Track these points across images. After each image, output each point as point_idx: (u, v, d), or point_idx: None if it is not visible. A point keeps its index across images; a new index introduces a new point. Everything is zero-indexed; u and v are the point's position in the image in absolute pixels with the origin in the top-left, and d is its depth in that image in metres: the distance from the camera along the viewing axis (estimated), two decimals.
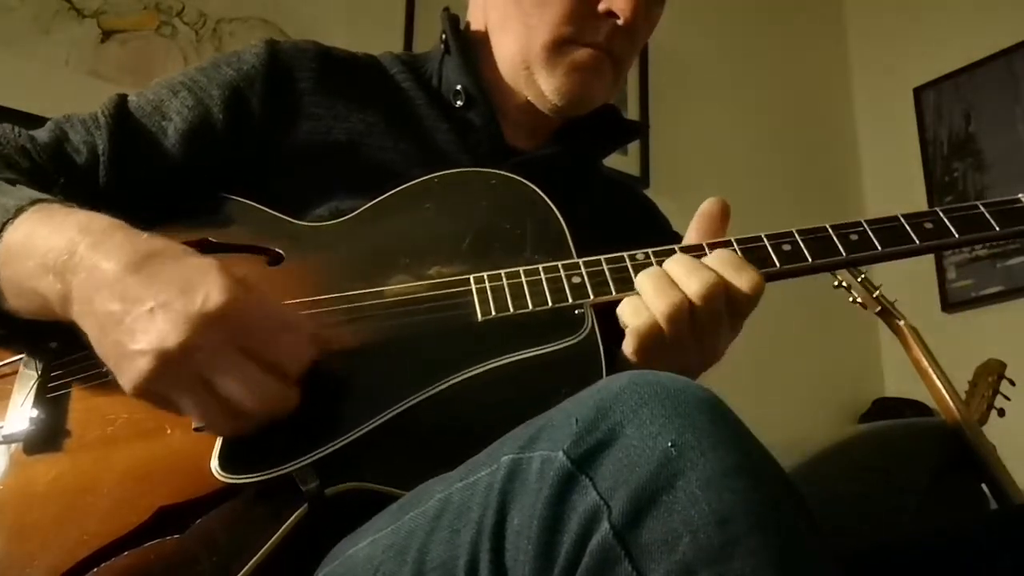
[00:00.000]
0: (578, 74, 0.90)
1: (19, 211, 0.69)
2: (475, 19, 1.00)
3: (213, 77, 0.88)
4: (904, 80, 2.91)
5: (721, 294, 0.72)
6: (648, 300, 0.72)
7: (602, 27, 0.89)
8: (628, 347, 0.73)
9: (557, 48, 0.89)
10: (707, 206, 0.81)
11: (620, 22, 0.88)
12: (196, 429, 0.66)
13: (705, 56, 2.69)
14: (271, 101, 0.88)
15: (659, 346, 0.72)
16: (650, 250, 0.78)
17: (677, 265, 0.74)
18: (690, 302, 0.71)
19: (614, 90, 0.97)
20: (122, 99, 0.87)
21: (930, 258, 2.67)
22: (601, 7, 0.88)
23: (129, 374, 0.61)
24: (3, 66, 1.63)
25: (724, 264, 0.73)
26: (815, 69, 3.02)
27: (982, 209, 0.80)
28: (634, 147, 2.42)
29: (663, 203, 1.12)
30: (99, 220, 0.67)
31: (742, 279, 0.73)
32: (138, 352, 0.60)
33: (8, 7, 1.67)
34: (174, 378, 0.61)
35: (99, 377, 0.71)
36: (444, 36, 0.97)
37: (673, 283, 0.72)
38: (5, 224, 0.68)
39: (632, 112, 2.44)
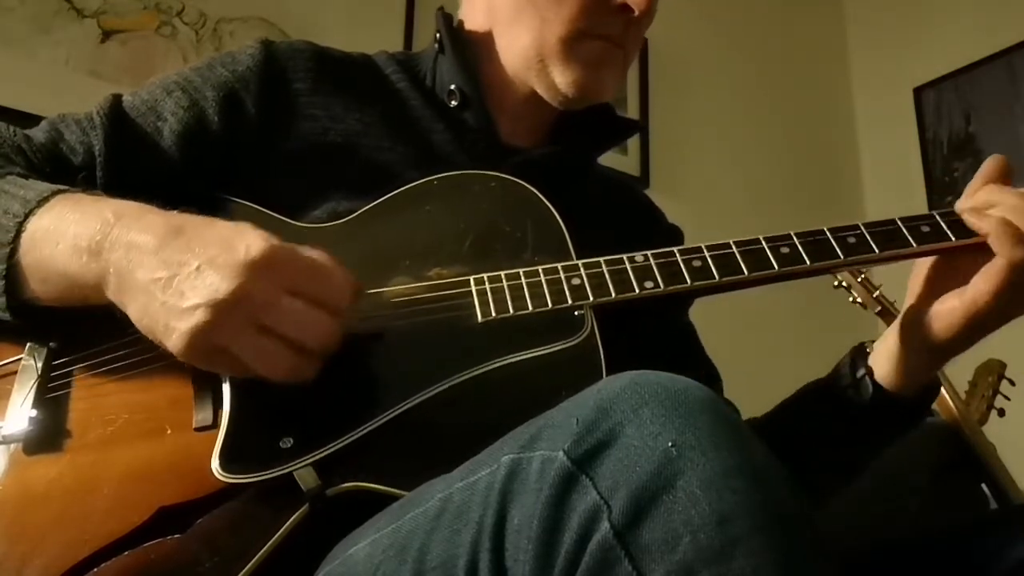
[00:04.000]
0: (594, 68, 0.91)
1: (42, 201, 0.70)
2: (470, 17, 1.00)
3: (208, 78, 0.88)
4: (904, 80, 2.91)
5: None
6: None
7: (617, 20, 0.89)
8: (991, 284, 0.73)
9: (573, 41, 0.90)
10: (989, 162, 0.80)
11: (635, 15, 0.88)
12: (197, 429, 0.66)
13: (705, 56, 2.69)
14: (266, 102, 0.88)
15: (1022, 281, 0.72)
16: (649, 252, 0.78)
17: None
18: None
19: (622, 83, 0.97)
20: (117, 99, 0.87)
21: None
22: (616, 1, 0.88)
23: (184, 332, 0.62)
24: (3, 66, 1.63)
25: None
26: (815, 69, 3.02)
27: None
28: (634, 147, 2.42)
29: (663, 203, 1.12)
30: (130, 203, 0.69)
31: None
32: (191, 308, 0.61)
33: (8, 7, 1.67)
34: (231, 327, 0.62)
35: (99, 377, 0.71)
36: (438, 35, 0.97)
37: None
38: (29, 213, 0.69)
39: (632, 112, 2.44)
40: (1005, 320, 0.76)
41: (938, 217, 0.79)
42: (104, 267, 0.66)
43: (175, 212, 0.68)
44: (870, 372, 0.85)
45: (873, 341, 0.88)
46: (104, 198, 0.70)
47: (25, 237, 0.69)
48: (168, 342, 0.63)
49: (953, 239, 0.78)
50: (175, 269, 0.63)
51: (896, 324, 0.83)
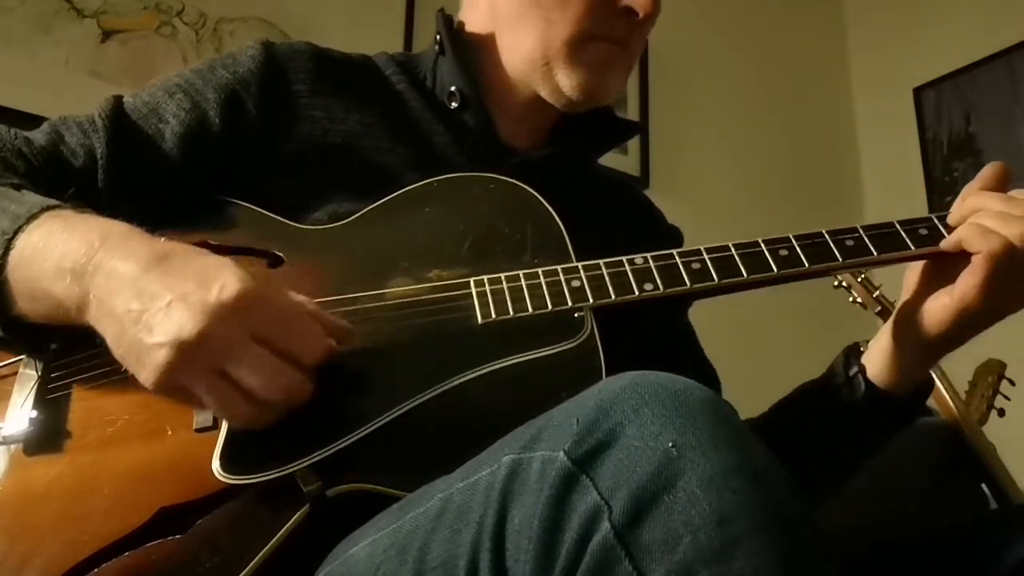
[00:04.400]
0: (599, 70, 0.91)
1: (31, 217, 0.69)
2: (472, 19, 1.00)
3: (209, 79, 0.88)
4: (904, 80, 2.91)
5: None
6: (996, 225, 0.73)
7: (621, 23, 0.90)
8: (976, 277, 0.74)
9: (579, 44, 0.90)
10: (988, 169, 0.81)
11: (639, 17, 0.88)
12: (197, 430, 0.66)
13: (705, 56, 2.69)
14: (267, 103, 0.88)
15: (1006, 273, 0.73)
16: (649, 255, 0.78)
17: (1007, 204, 0.75)
18: None
19: (625, 84, 0.98)
20: (118, 101, 0.87)
21: None
22: (622, 3, 0.88)
23: (149, 368, 0.61)
24: (3, 66, 1.63)
25: None
26: (815, 69, 3.02)
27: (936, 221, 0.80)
28: (634, 147, 2.42)
29: (663, 203, 1.12)
30: (117, 225, 0.68)
31: None
32: (156, 345, 0.61)
33: (8, 7, 1.67)
34: (192, 368, 0.61)
35: (99, 378, 0.71)
36: (438, 36, 0.97)
37: (1012, 214, 0.74)
38: (18, 230, 0.68)
39: (632, 112, 2.44)
40: (997, 316, 0.77)
41: (935, 220, 0.79)
42: (85, 291, 0.65)
43: (162, 239, 0.67)
44: (863, 370, 0.85)
45: (868, 341, 0.88)
46: (93, 217, 0.69)
47: (14, 254, 0.68)
48: (139, 375, 0.63)
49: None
50: (147, 303, 0.62)
51: (890, 322, 0.84)
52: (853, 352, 0.88)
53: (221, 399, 0.63)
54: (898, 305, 0.83)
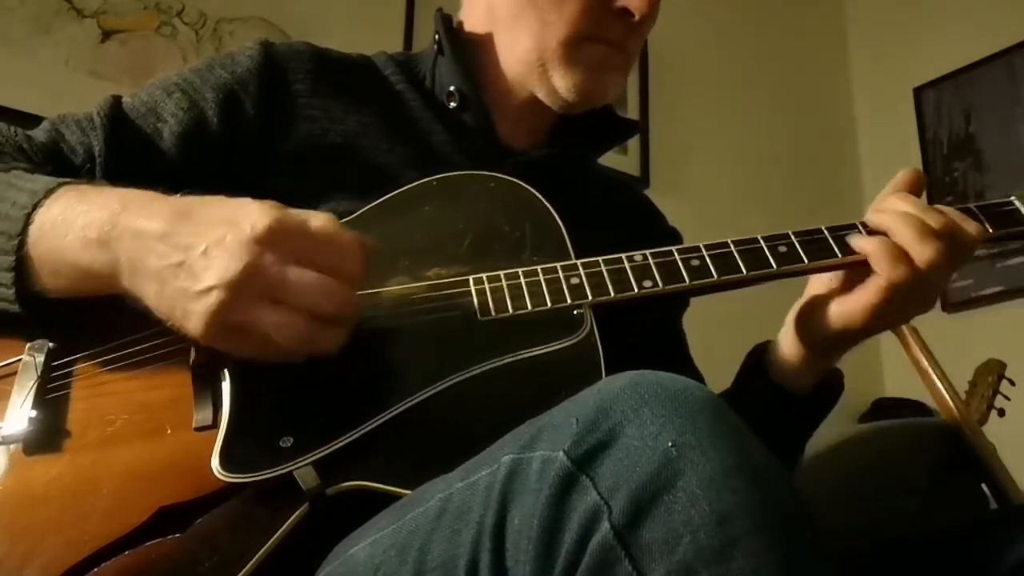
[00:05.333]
0: (595, 72, 0.91)
1: (49, 192, 0.70)
2: (471, 19, 1.00)
3: (207, 79, 0.88)
4: (904, 80, 2.91)
5: (961, 247, 0.77)
6: (911, 246, 0.75)
7: (618, 24, 0.89)
8: (871, 298, 0.76)
9: (574, 45, 0.89)
10: (903, 174, 0.85)
11: (636, 19, 0.88)
12: (197, 428, 0.66)
13: (705, 56, 2.70)
14: (265, 103, 0.88)
15: (904, 296, 0.76)
16: (648, 252, 0.78)
17: (927, 215, 0.77)
18: (944, 255, 0.75)
19: (623, 86, 0.97)
20: (117, 100, 0.87)
21: None
22: (617, 4, 0.88)
23: (200, 314, 0.62)
24: (3, 66, 1.63)
25: (953, 215, 0.78)
26: (815, 69, 3.02)
27: (976, 211, 0.81)
28: (634, 147, 2.42)
29: (663, 203, 1.12)
30: (135, 191, 0.69)
31: (970, 226, 0.78)
32: (205, 290, 0.61)
33: (8, 7, 1.67)
34: (246, 304, 0.62)
35: (99, 377, 0.71)
36: (437, 36, 0.97)
37: (931, 233, 0.75)
38: (36, 205, 0.69)
39: (632, 112, 2.44)
40: (877, 331, 0.80)
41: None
42: (114, 257, 0.66)
43: (179, 196, 0.68)
44: (764, 366, 0.88)
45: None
46: (109, 188, 0.70)
47: (33, 228, 0.69)
48: (188, 324, 0.64)
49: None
50: (184, 254, 0.63)
51: (789, 320, 0.86)
52: (761, 350, 0.91)
53: (280, 326, 0.63)
54: (799, 303, 0.86)
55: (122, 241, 0.65)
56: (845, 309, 0.79)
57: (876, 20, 3.06)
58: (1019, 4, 2.66)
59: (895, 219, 0.77)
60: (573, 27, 0.89)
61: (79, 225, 0.67)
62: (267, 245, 0.62)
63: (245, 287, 0.62)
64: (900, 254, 0.75)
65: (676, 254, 0.78)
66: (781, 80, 2.88)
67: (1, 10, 1.67)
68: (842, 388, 0.91)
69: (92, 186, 0.71)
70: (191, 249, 0.63)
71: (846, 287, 0.80)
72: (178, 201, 0.67)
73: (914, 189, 0.83)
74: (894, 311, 0.78)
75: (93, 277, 0.67)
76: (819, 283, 0.84)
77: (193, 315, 0.63)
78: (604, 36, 0.90)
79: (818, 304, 0.82)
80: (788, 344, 0.86)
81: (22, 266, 0.69)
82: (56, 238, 0.68)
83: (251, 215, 0.63)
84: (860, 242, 0.78)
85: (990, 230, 0.80)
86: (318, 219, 0.67)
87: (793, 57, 2.95)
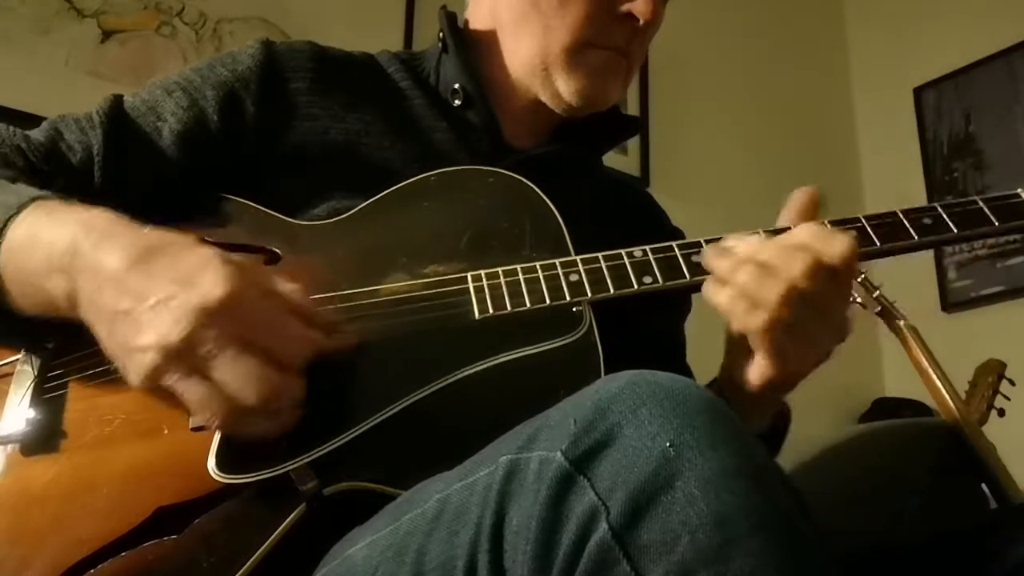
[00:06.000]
0: (598, 77, 0.91)
1: (21, 208, 0.69)
2: (476, 18, 1.00)
3: (208, 78, 0.88)
4: (904, 80, 2.91)
5: (821, 269, 0.68)
6: (755, 294, 0.69)
7: (621, 29, 0.89)
8: (760, 347, 0.71)
9: (577, 50, 0.89)
10: (797, 195, 0.80)
11: (640, 24, 0.88)
12: (193, 429, 0.66)
13: (705, 56, 2.69)
14: (266, 102, 0.88)
15: (785, 337, 0.70)
16: (648, 247, 0.78)
17: (768, 251, 0.70)
18: (796, 287, 0.68)
19: (625, 90, 0.97)
20: (117, 99, 0.87)
21: (930, 258, 2.67)
22: (621, 9, 0.88)
23: (136, 369, 0.61)
24: (3, 66, 1.63)
25: (813, 237, 0.70)
26: (815, 69, 3.02)
27: (981, 204, 0.80)
28: (634, 147, 2.42)
29: (663, 203, 1.12)
30: (99, 216, 0.67)
31: (833, 247, 0.69)
32: (142, 347, 0.60)
33: (8, 7, 1.67)
34: (177, 372, 0.61)
35: (97, 377, 0.71)
36: (442, 34, 0.97)
37: (771, 271, 0.69)
38: (8, 221, 0.68)
39: (632, 112, 2.44)
40: (799, 377, 0.75)
41: (940, 209, 0.79)
42: (73, 287, 0.64)
43: (147, 230, 0.66)
44: None
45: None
46: (76, 208, 0.69)
47: (4, 246, 0.68)
48: (126, 375, 0.62)
49: (955, 230, 0.78)
50: (132, 302, 0.61)
51: (719, 373, 0.81)
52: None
53: (203, 403, 0.62)
54: (723, 360, 0.79)
55: (82, 273, 0.64)
56: (755, 366, 0.73)
57: (876, 20, 3.05)
58: (1019, 4, 2.66)
59: (732, 271, 0.71)
60: (577, 32, 0.89)
61: (44, 244, 0.66)
62: (213, 318, 0.60)
63: (178, 356, 0.60)
64: (751, 308, 0.69)
65: (676, 249, 0.77)
66: (781, 80, 2.88)
67: (1, 10, 1.67)
68: (788, 425, 0.87)
69: (61, 203, 0.70)
70: (141, 300, 0.61)
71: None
72: (142, 237, 0.65)
73: (809, 211, 0.78)
74: (799, 355, 0.72)
75: (55, 303, 0.66)
76: (728, 334, 0.77)
77: (129, 368, 0.62)
78: (608, 41, 0.90)
79: (733, 366, 0.76)
80: (728, 391, 0.80)
81: None
82: (24, 259, 0.67)
83: (208, 280, 0.61)
84: (709, 293, 0.73)
85: (996, 222, 0.79)
86: (281, 298, 0.65)
87: (793, 57, 2.95)
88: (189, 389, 0.61)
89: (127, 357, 0.62)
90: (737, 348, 0.76)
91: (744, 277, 0.70)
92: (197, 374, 0.61)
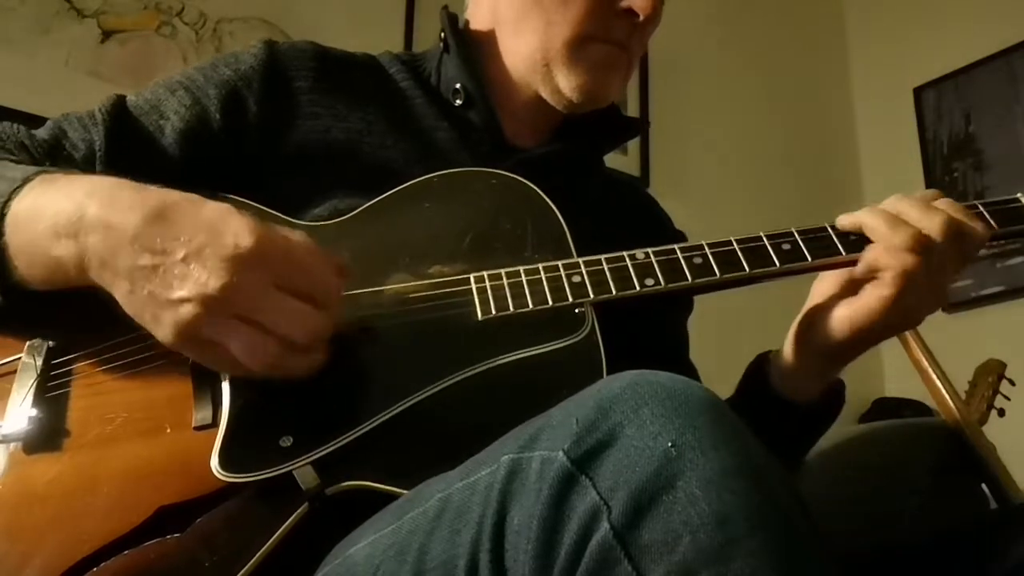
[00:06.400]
0: (599, 72, 0.91)
1: (25, 181, 0.69)
2: (476, 17, 1.00)
3: (211, 77, 0.88)
4: (904, 80, 2.91)
5: (957, 232, 0.75)
6: (921, 223, 0.75)
7: (622, 25, 0.90)
8: (883, 292, 0.75)
9: (579, 45, 0.90)
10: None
11: (639, 20, 0.88)
12: (196, 428, 0.66)
13: (705, 56, 2.69)
14: (268, 101, 0.88)
15: (915, 290, 0.75)
16: (650, 249, 0.78)
17: (910, 207, 0.76)
18: (929, 237, 0.74)
19: (625, 86, 0.98)
20: (120, 98, 0.87)
21: None
22: (621, 5, 0.88)
23: (172, 323, 0.61)
24: (3, 66, 1.63)
25: (956, 209, 0.77)
26: (815, 69, 3.02)
27: (981, 209, 0.80)
28: (634, 147, 2.42)
29: (663, 203, 1.12)
30: (103, 180, 0.68)
31: (975, 222, 0.77)
32: (179, 300, 0.61)
33: (8, 7, 1.67)
34: (219, 322, 0.61)
35: (99, 375, 0.71)
36: (443, 34, 0.97)
37: (935, 213, 0.75)
38: (12, 194, 0.69)
39: (632, 112, 2.44)
40: (889, 333, 0.79)
41: None
42: (82, 249, 0.64)
43: (153, 188, 0.66)
44: (765, 377, 0.86)
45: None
46: (79, 176, 0.69)
47: (9, 219, 0.68)
48: (157, 330, 0.63)
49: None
50: (160, 257, 0.62)
51: (792, 329, 0.84)
52: (763, 360, 0.89)
53: (250, 348, 0.62)
54: (802, 312, 0.84)
55: (91, 234, 0.64)
56: (854, 310, 0.77)
57: (876, 20, 3.06)
58: (1019, 4, 2.66)
59: (896, 207, 0.77)
60: (578, 27, 0.89)
61: (49, 214, 0.66)
62: (249, 264, 0.61)
63: (221, 305, 0.61)
64: (898, 249, 0.74)
65: (679, 252, 0.77)
66: (781, 80, 2.88)
67: (1, 10, 1.66)
68: (843, 400, 0.89)
69: (64, 174, 0.70)
70: (168, 255, 0.61)
71: (852, 289, 0.79)
72: (151, 195, 0.65)
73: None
74: (904, 309, 0.76)
75: (62, 269, 0.66)
76: (823, 289, 0.82)
77: (163, 323, 0.62)
78: (608, 36, 0.90)
79: (823, 309, 0.80)
80: (792, 354, 0.84)
81: (1, 256, 0.69)
82: (29, 228, 0.67)
83: (235, 228, 0.62)
84: (863, 218, 0.77)
85: (995, 227, 0.80)
86: (299, 241, 0.66)
87: (793, 57, 2.95)
88: (235, 336, 0.62)
89: (160, 311, 0.62)
90: (835, 296, 0.80)
91: (912, 211, 0.76)
92: (239, 321, 0.62)
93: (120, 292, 0.64)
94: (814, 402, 0.86)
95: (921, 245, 0.74)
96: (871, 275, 0.76)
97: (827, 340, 0.80)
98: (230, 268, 0.60)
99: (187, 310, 0.61)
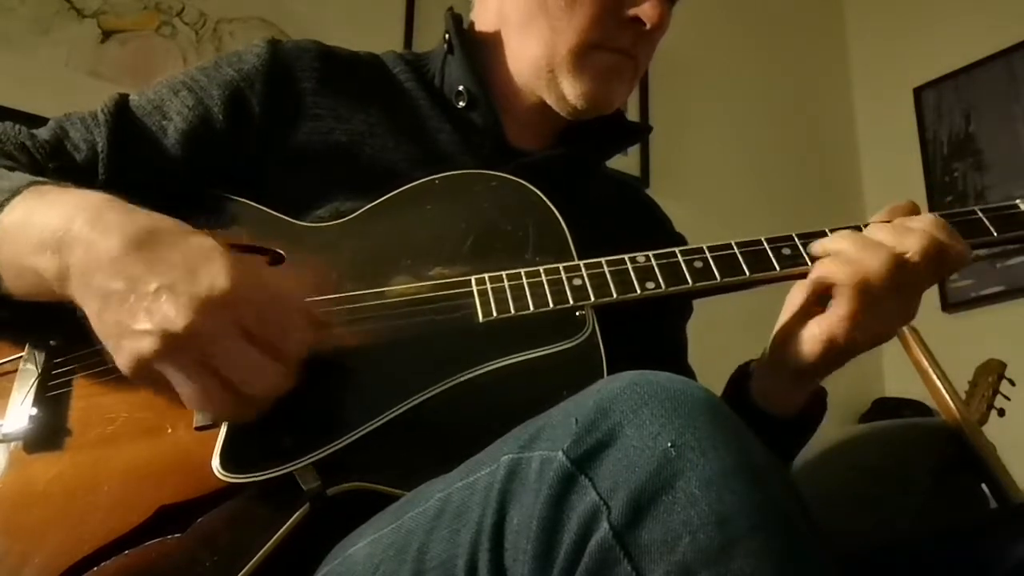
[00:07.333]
0: (604, 80, 0.91)
1: (15, 193, 0.69)
2: (482, 19, 1.00)
3: (214, 77, 0.88)
4: (904, 80, 2.91)
5: (936, 251, 0.73)
6: (859, 254, 0.72)
7: (628, 33, 0.89)
8: (842, 309, 0.73)
9: (584, 53, 0.89)
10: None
11: (646, 28, 0.88)
12: (197, 428, 0.66)
13: (705, 56, 2.69)
14: (271, 101, 0.88)
15: (871, 303, 0.72)
16: (651, 253, 0.78)
17: (881, 230, 0.74)
18: (902, 257, 0.72)
19: (629, 94, 0.97)
20: (123, 98, 0.87)
21: None
22: (628, 13, 0.88)
23: (131, 353, 0.61)
24: (3, 66, 1.63)
25: (935, 227, 0.74)
26: (815, 69, 3.02)
27: (980, 215, 0.80)
28: (634, 147, 2.42)
29: (663, 203, 1.12)
30: (93, 196, 0.67)
31: (955, 241, 0.75)
32: (142, 332, 0.60)
33: (8, 7, 1.67)
34: (176, 360, 0.61)
35: (100, 375, 0.71)
36: (447, 36, 0.97)
37: (876, 243, 0.73)
38: (2, 206, 0.68)
39: (632, 112, 2.44)
40: (860, 349, 0.76)
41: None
42: (65, 263, 0.64)
43: (143, 211, 0.66)
44: (747, 391, 0.84)
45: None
46: (70, 190, 0.69)
47: None
48: (116, 357, 0.62)
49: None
50: (132, 285, 0.61)
51: (768, 344, 0.82)
52: (744, 373, 0.87)
53: (201, 392, 0.62)
54: (776, 326, 0.81)
55: (74, 250, 0.63)
56: (822, 329, 0.75)
57: (876, 20, 3.06)
58: (1019, 4, 2.66)
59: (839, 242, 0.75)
60: (584, 35, 0.88)
61: (37, 227, 0.66)
62: (219, 308, 0.60)
63: (182, 344, 0.60)
64: (849, 260, 0.72)
65: (679, 255, 0.77)
66: (781, 81, 2.88)
67: (1, 10, 1.67)
68: (825, 407, 0.88)
69: (56, 187, 0.70)
70: (141, 284, 0.60)
71: (822, 304, 0.77)
72: (138, 218, 0.65)
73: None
74: (865, 325, 0.73)
75: (45, 281, 0.66)
76: (794, 301, 0.79)
77: (122, 351, 0.61)
78: (614, 44, 0.90)
79: (795, 326, 0.78)
80: (770, 372, 0.82)
81: None
82: (18, 240, 0.67)
83: (215, 269, 0.61)
84: (818, 248, 0.76)
85: (995, 233, 0.80)
86: (280, 292, 0.65)
87: (793, 58, 2.95)
88: (186, 379, 0.61)
89: (122, 339, 0.61)
90: (803, 312, 0.77)
91: (859, 240, 0.74)
92: (196, 364, 0.61)
93: (90, 311, 0.63)
94: (795, 415, 0.84)
95: (886, 263, 0.72)
96: (824, 288, 0.75)
97: (801, 358, 0.77)
98: (199, 309, 0.59)
99: (147, 344, 0.60)
